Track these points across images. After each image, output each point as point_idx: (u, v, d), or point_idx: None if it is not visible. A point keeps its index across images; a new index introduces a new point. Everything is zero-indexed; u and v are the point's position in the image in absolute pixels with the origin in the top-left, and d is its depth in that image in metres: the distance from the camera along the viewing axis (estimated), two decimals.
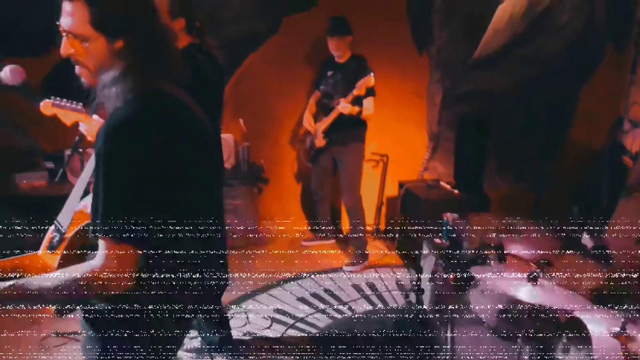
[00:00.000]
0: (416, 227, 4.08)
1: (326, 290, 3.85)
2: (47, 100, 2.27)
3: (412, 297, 3.65)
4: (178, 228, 1.31)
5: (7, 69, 1.31)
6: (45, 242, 1.52)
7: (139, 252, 1.22)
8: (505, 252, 2.33)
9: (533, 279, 2.00)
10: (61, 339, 3.15)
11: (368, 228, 4.48)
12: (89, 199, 1.54)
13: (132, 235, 1.20)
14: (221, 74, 2.58)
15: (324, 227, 4.68)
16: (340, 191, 4.39)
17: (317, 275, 4.09)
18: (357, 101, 3.98)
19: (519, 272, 2.22)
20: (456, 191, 4.20)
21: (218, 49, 2.70)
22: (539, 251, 2.50)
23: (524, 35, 4.25)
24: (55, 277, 1.23)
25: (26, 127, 5.04)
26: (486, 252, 2.42)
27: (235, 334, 3.15)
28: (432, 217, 3.81)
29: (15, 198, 4.38)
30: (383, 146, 4.81)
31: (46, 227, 4.07)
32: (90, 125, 2.28)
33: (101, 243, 1.21)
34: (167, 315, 1.34)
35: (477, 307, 2.34)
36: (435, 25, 4.49)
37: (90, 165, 1.48)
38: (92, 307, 1.33)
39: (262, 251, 4.52)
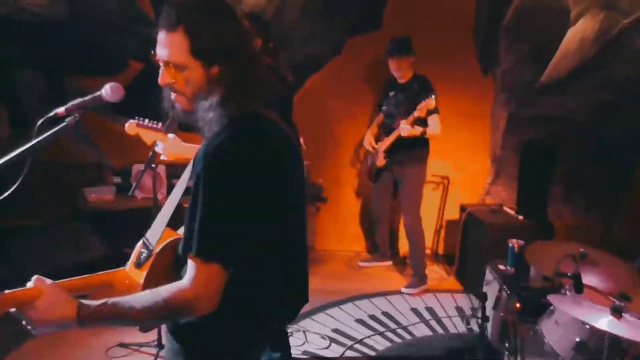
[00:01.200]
0: (478, 252, 3.98)
1: (384, 313, 3.79)
2: (133, 120, 2.37)
3: (474, 324, 3.55)
4: (269, 249, 1.33)
5: (107, 87, 1.37)
6: (133, 258, 1.54)
7: (227, 273, 1.24)
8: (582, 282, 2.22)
9: (617, 312, 1.90)
10: (125, 350, 3.23)
11: (427, 251, 4.41)
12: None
13: (224, 257, 1.23)
14: (292, 95, 2.62)
15: (381, 248, 4.64)
16: (400, 212, 4.35)
17: (375, 297, 4.04)
18: (419, 122, 3.97)
19: (597, 304, 2.12)
20: (521, 217, 4.08)
21: (290, 69, 2.75)
22: (616, 284, 2.38)
23: (595, 60, 4.12)
24: (144, 296, 1.25)
25: (97, 143, 5.28)
26: (561, 281, 2.32)
27: (294, 352, 3.15)
28: (495, 242, 3.74)
29: (85, 211, 4.56)
30: (444, 168, 4.75)
31: (111, 241, 4.20)
32: (167, 144, 2.36)
33: (191, 263, 1.23)
34: (251, 332, 1.36)
35: (549, 338, 2.24)
36: (502, 47, 4.43)
37: (180, 184, 1.51)
38: (179, 321, 1.35)
39: (319, 270, 4.52)
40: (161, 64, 1.32)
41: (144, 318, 1.24)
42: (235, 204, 1.22)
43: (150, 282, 1.34)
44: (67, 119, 1.40)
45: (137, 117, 2.39)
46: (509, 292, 2.91)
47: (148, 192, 4.43)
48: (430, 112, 3.94)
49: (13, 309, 1.18)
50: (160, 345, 3.12)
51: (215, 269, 1.21)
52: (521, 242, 3.17)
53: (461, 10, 4.51)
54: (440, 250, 4.90)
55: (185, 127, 1.73)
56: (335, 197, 4.89)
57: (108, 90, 1.39)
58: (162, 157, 2.47)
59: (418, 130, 3.96)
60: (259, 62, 1.40)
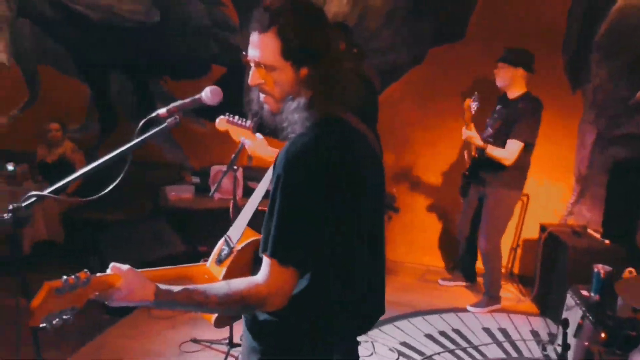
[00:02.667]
0: (559, 275, 3.79)
1: (455, 330, 3.68)
2: (223, 116, 2.44)
3: (551, 350, 3.38)
4: (346, 254, 1.33)
5: (208, 90, 1.42)
6: (214, 255, 1.59)
7: (300, 274, 1.27)
8: None
9: None
10: (197, 346, 3.33)
11: (502, 270, 4.24)
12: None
13: (298, 260, 1.25)
14: (376, 101, 2.61)
15: (463, 267, 4.47)
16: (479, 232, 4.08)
17: (446, 313, 3.93)
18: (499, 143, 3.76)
19: None
20: (607, 241, 3.84)
21: (375, 72, 2.75)
22: None
23: None
24: (220, 287, 1.29)
25: (179, 144, 5.50)
26: None
27: None
28: (578, 266, 3.54)
29: (165, 208, 4.76)
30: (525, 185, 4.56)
31: (187, 238, 4.33)
32: (254, 143, 2.42)
33: (266, 261, 1.26)
34: (325, 337, 1.36)
35: None
36: (593, 62, 4.21)
37: (262, 186, 1.54)
38: (257, 320, 1.37)
39: (387, 280, 4.45)
40: (252, 64, 1.35)
41: (217, 307, 1.29)
42: (312, 207, 1.24)
43: (229, 278, 1.38)
44: (168, 120, 1.46)
45: (227, 114, 2.46)
46: (593, 320, 2.75)
47: (225, 193, 4.56)
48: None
49: (100, 291, 1.26)
50: (231, 344, 3.20)
51: (290, 271, 1.25)
52: (608, 268, 2.99)
53: (550, 24, 4.32)
54: (516, 270, 4.70)
55: (268, 131, 1.76)
56: (408, 207, 4.83)
57: (208, 93, 1.44)
58: (249, 155, 2.52)
59: (479, 141, 3.72)
60: (345, 67, 1.41)
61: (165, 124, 1.45)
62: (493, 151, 3.74)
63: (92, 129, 5.75)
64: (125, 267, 1.31)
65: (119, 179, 1.47)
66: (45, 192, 1.53)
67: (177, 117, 1.45)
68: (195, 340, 3.36)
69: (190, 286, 1.29)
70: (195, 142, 5.43)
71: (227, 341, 3.22)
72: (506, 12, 4.43)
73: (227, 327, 3.21)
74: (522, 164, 3.80)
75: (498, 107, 3.96)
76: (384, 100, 4.65)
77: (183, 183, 5.10)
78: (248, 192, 4.69)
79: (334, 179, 1.25)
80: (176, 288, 1.29)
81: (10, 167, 4.87)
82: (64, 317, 1.22)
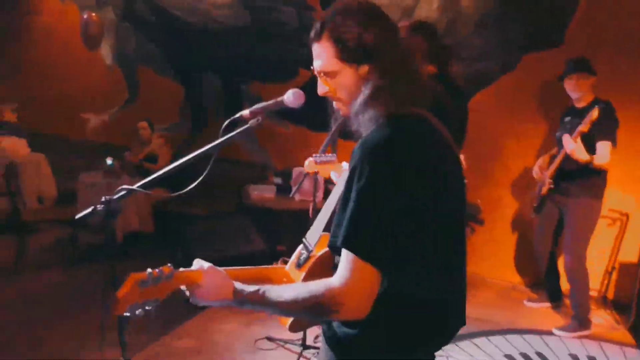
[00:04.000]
0: None
1: (538, 353, 3.47)
2: (311, 158, 2.49)
3: None
4: (425, 259, 1.25)
5: (290, 92, 1.43)
6: (294, 259, 1.59)
7: (378, 276, 1.19)
8: None
9: None
10: (272, 344, 3.37)
11: (593, 293, 3.95)
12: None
13: (373, 254, 1.18)
14: (464, 106, 2.52)
15: (546, 286, 4.23)
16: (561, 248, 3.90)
17: (529, 334, 3.72)
18: (591, 148, 3.54)
19: None
20: None
21: (463, 79, 2.66)
22: None
23: None
24: (293, 289, 1.27)
25: (264, 145, 5.64)
26: None
27: None
28: None
29: (248, 206, 4.88)
30: (623, 203, 4.23)
31: (267, 237, 4.41)
32: (340, 172, 2.42)
33: (342, 260, 1.20)
34: (406, 352, 1.29)
35: None
36: None
37: (337, 190, 1.52)
38: (335, 331, 1.33)
39: (467, 294, 4.28)
40: (317, 76, 1.36)
41: (291, 309, 1.28)
42: (388, 200, 1.18)
43: (308, 280, 1.35)
44: (251, 122, 1.48)
45: (314, 155, 2.50)
46: None
47: (306, 195, 4.61)
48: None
49: (183, 286, 1.32)
50: (304, 345, 3.21)
51: (367, 268, 1.17)
52: None
53: None
54: (610, 295, 4.36)
55: (346, 135, 1.74)
56: (492, 220, 4.62)
57: (290, 96, 1.45)
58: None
59: (584, 155, 3.50)
60: (410, 62, 1.36)
61: (248, 124, 1.47)
62: (596, 160, 3.54)
63: (184, 128, 6.04)
64: (207, 264, 1.35)
65: (203, 175, 1.52)
66: (135, 187, 1.60)
67: (260, 119, 1.48)
68: (270, 339, 3.41)
69: (265, 286, 1.29)
70: (279, 143, 5.54)
71: (300, 342, 3.24)
72: (607, 19, 4.14)
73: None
74: (604, 171, 3.64)
75: (567, 118, 3.78)
76: (471, 108, 4.49)
77: (266, 183, 5.22)
78: (328, 195, 4.71)
79: (411, 173, 1.20)
80: (251, 287, 1.30)
81: (109, 161, 5.22)
82: (147, 307, 1.28)
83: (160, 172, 1.59)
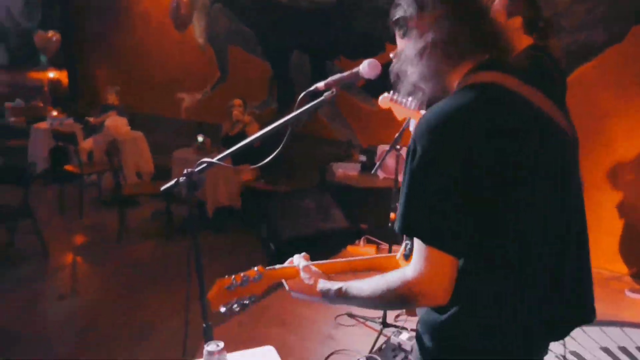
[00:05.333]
0: None
1: (639, 348, 3.21)
2: (387, 94, 2.39)
3: None
4: (511, 245, 1.13)
5: (365, 63, 1.38)
6: (402, 249, 1.56)
7: (451, 260, 1.10)
8: None
9: None
10: (352, 320, 3.39)
11: None
12: None
13: (437, 240, 1.09)
14: (563, 82, 2.33)
15: None
16: None
17: (630, 327, 3.44)
18: None
19: None
20: None
21: (563, 52, 2.44)
22: None
23: None
24: (372, 284, 1.22)
25: (349, 122, 5.61)
26: None
27: None
28: None
29: (331, 184, 4.90)
30: None
31: (350, 215, 4.38)
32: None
33: (414, 247, 1.14)
34: (500, 345, 1.18)
35: None
36: None
37: None
38: (426, 317, 1.26)
39: None
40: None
41: (374, 303, 1.26)
42: (441, 182, 1.07)
43: None
44: (326, 94, 1.46)
45: (392, 91, 2.39)
46: None
47: (390, 173, 4.54)
48: None
49: (282, 280, 1.44)
50: (384, 323, 3.19)
51: (436, 254, 1.09)
52: None
53: None
54: None
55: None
56: (593, 203, 4.30)
57: (365, 67, 1.40)
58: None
59: None
60: (487, 20, 1.20)
61: (323, 97, 1.45)
62: None
63: (271, 105, 6.15)
64: (304, 263, 1.41)
65: (280, 146, 1.52)
66: (214, 160, 1.64)
67: (334, 91, 1.44)
68: (350, 315, 3.42)
69: (347, 284, 1.28)
70: (364, 121, 5.49)
71: (380, 320, 3.22)
72: None
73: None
74: None
75: None
76: (571, 83, 4.17)
77: (350, 160, 5.20)
78: None
79: (479, 149, 1.06)
80: (335, 285, 1.31)
81: (200, 138, 5.44)
82: (244, 302, 1.42)
83: (239, 145, 1.62)
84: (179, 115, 7.05)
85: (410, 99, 2.30)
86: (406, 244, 1.51)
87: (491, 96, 1.13)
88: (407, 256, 1.48)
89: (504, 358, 1.20)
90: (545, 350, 1.31)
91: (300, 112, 1.44)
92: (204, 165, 1.65)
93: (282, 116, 1.52)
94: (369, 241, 4.35)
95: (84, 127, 6.90)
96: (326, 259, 1.52)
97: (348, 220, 4.30)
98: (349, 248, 4.27)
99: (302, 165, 5.44)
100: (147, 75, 7.31)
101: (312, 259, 1.52)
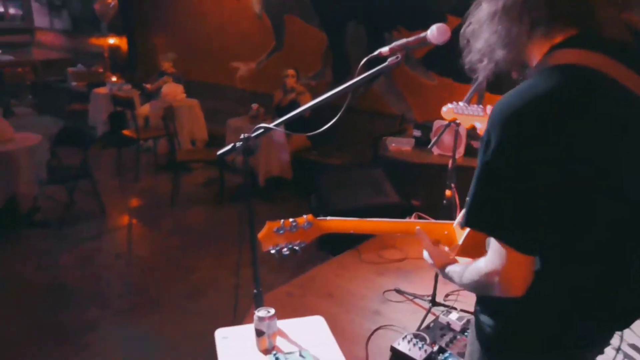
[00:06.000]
0: None
1: None
2: (450, 106, 2.29)
3: None
4: (595, 241, 1.06)
5: (434, 27, 1.31)
6: (459, 218, 1.51)
7: (526, 257, 1.03)
8: None
9: None
10: (400, 296, 3.34)
11: None
12: None
13: (505, 236, 1.03)
14: None
15: None
16: None
17: None
18: None
19: None
20: None
21: None
22: None
23: None
24: (461, 272, 1.22)
25: (404, 96, 5.47)
26: None
27: None
28: None
29: (384, 158, 4.82)
30: None
31: (401, 190, 4.29)
32: (485, 124, 2.21)
33: (491, 242, 1.07)
34: (559, 334, 1.14)
35: None
36: None
37: None
38: (485, 323, 1.23)
39: None
40: None
41: (466, 289, 1.25)
42: (514, 178, 0.98)
43: (468, 243, 1.33)
44: (390, 59, 1.39)
45: (455, 102, 2.30)
46: None
47: (445, 149, 4.41)
48: None
49: (421, 231, 1.43)
50: (434, 302, 3.13)
51: (507, 249, 1.02)
52: None
53: None
54: None
55: (494, 88, 1.55)
56: None
57: (434, 31, 1.32)
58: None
59: None
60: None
61: (387, 62, 1.38)
62: None
63: (326, 76, 6.07)
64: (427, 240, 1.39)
65: (339, 114, 1.48)
66: (271, 125, 1.61)
67: (400, 57, 1.37)
68: (398, 291, 3.38)
69: (451, 268, 1.29)
70: (421, 95, 5.34)
71: (429, 298, 3.16)
72: None
73: (431, 285, 3.16)
74: None
75: None
76: None
77: (404, 135, 5.09)
78: (470, 151, 4.45)
79: (562, 143, 0.95)
80: (447, 269, 1.31)
81: (254, 107, 5.46)
82: (294, 247, 1.47)
83: (295, 112, 1.58)
84: (233, 84, 7.08)
85: (475, 106, 2.20)
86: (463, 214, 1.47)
87: (575, 81, 0.99)
88: (463, 225, 1.46)
89: (568, 346, 1.16)
90: (608, 341, 1.25)
91: (362, 79, 1.38)
92: (261, 130, 1.63)
93: (336, 87, 1.46)
94: (419, 218, 4.26)
95: (141, 93, 7.05)
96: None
97: (399, 195, 4.22)
98: None
99: (354, 139, 5.37)
100: (203, 43, 7.36)
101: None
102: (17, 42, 10.54)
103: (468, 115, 2.26)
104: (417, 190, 4.55)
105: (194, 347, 3.04)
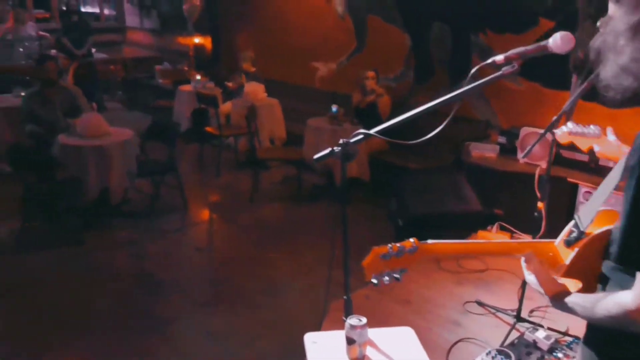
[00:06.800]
0: None
1: None
2: (565, 128, 2.17)
3: None
4: None
5: (558, 35, 1.23)
6: (563, 235, 1.43)
7: None
8: None
9: None
10: (481, 309, 3.22)
11: None
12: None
13: None
14: None
15: None
16: None
17: None
18: None
19: None
20: None
21: None
22: None
23: None
24: (591, 303, 1.13)
25: (489, 101, 5.29)
26: None
27: None
28: None
29: (466, 164, 4.69)
30: None
31: (483, 198, 4.16)
32: (604, 146, 2.07)
33: (637, 276, 1.01)
34: None
35: None
36: None
37: (618, 167, 1.28)
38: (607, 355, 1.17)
39: None
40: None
41: (592, 322, 1.17)
42: None
43: (576, 264, 1.25)
44: (504, 68, 1.33)
45: (571, 125, 2.17)
46: None
47: (533, 158, 4.22)
48: None
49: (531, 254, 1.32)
50: (518, 317, 3.00)
51: None
52: None
53: None
54: None
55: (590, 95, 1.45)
56: None
57: (557, 40, 1.24)
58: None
59: None
60: None
61: (501, 71, 1.32)
62: None
63: (407, 79, 5.98)
64: (536, 260, 1.31)
65: (443, 124, 1.44)
66: (372, 132, 1.59)
67: (516, 65, 1.31)
68: (480, 303, 3.26)
69: (573, 299, 1.20)
70: (507, 100, 5.14)
71: (514, 313, 3.03)
72: None
73: (513, 298, 3.03)
74: None
75: None
76: None
77: (488, 141, 4.92)
78: (558, 161, 4.23)
79: None
80: (567, 299, 1.22)
81: (334, 108, 5.47)
82: (395, 275, 1.39)
83: (398, 119, 1.55)
84: (312, 84, 7.13)
85: (592, 126, 2.06)
86: (572, 231, 1.39)
87: None
88: (570, 244, 1.37)
89: None
90: None
91: (475, 86, 1.33)
92: (360, 136, 1.61)
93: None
94: (502, 228, 4.10)
95: (222, 92, 7.26)
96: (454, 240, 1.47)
97: (481, 203, 4.08)
98: (480, 233, 4.06)
99: (435, 143, 5.24)
100: (284, 42, 7.46)
101: (440, 239, 1.45)
102: (110, 41, 11.17)
103: (585, 137, 2.13)
104: (500, 198, 4.39)
105: (270, 344, 3.09)
